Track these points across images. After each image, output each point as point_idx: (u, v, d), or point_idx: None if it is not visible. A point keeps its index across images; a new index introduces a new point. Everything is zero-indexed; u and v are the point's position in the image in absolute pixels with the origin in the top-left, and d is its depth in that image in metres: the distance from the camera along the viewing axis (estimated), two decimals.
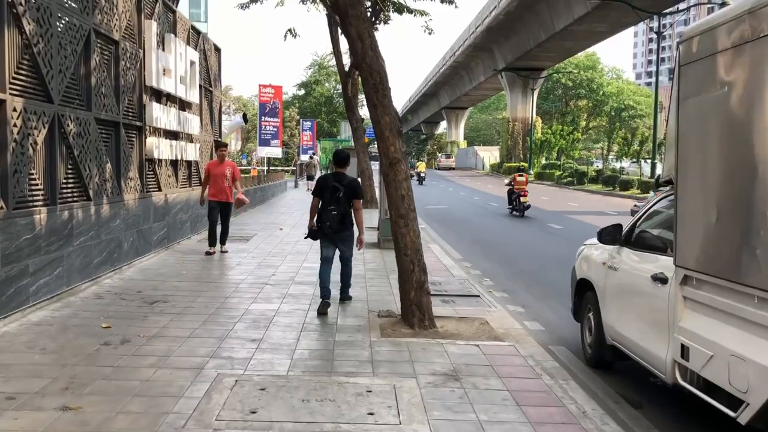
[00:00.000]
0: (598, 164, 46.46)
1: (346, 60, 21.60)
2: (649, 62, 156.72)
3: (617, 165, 43.27)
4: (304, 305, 7.19)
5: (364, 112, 26.74)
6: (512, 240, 15.13)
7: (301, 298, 7.53)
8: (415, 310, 6.29)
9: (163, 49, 10.67)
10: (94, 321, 6.19)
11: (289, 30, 18.01)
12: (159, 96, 10.64)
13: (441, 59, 71.70)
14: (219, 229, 10.83)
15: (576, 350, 6.17)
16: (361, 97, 44.54)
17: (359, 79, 24.23)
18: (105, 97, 8.34)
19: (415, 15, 19.28)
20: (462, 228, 17.47)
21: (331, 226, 6.80)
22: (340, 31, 19.23)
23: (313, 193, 7.11)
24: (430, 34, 18.52)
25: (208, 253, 10.49)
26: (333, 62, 56.14)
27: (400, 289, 6.50)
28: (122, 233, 8.84)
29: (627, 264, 5.18)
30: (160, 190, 10.74)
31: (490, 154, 68.82)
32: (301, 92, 71.52)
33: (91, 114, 7.86)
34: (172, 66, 10.93)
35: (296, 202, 24.76)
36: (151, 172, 10.46)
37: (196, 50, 12.87)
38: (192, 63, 12.31)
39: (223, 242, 10.91)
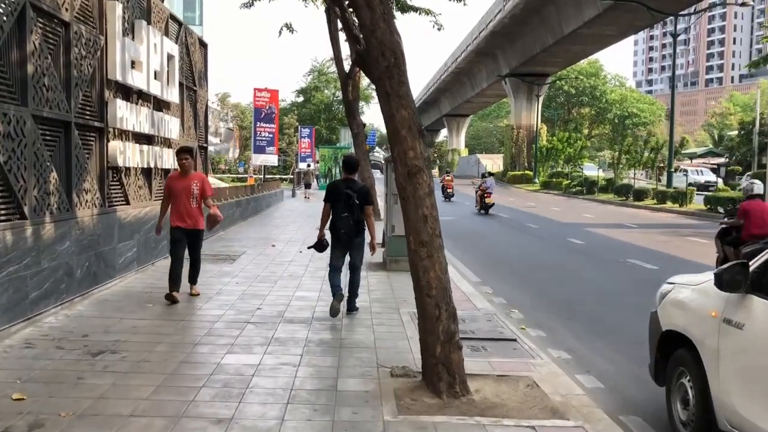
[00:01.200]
0: (603, 172, 44.44)
1: (347, 65, 20.06)
2: (650, 70, 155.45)
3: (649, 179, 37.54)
4: (293, 356, 5.54)
5: (365, 117, 25.38)
6: (531, 257, 13.48)
7: (291, 345, 5.87)
8: (442, 371, 4.65)
9: (133, 38, 9.05)
10: (5, 388, 4.54)
11: (286, 25, 16.54)
12: (127, 93, 9.01)
13: (442, 65, 70.37)
14: (187, 264, 7.87)
15: (653, 420, 4.64)
16: (362, 103, 43.05)
17: (360, 82, 22.89)
18: (49, 90, 6.71)
19: (420, 14, 17.81)
20: (474, 243, 15.86)
21: (347, 233, 6.96)
22: (340, 26, 17.63)
23: (325, 200, 7.17)
24: (439, 29, 17.02)
25: (169, 299, 7.39)
26: (332, 68, 54.74)
27: (422, 342, 4.87)
28: (74, 258, 7.20)
29: (764, 321, 3.55)
30: (128, 203, 9.10)
31: (492, 163, 67.24)
32: (300, 99, 69.93)
33: (27, 110, 6.24)
34: (143, 58, 9.31)
35: (293, 213, 23.09)
36: (117, 183, 8.83)
37: (176, 43, 11.25)
38: (170, 57, 10.69)
39: (193, 280, 7.92)
